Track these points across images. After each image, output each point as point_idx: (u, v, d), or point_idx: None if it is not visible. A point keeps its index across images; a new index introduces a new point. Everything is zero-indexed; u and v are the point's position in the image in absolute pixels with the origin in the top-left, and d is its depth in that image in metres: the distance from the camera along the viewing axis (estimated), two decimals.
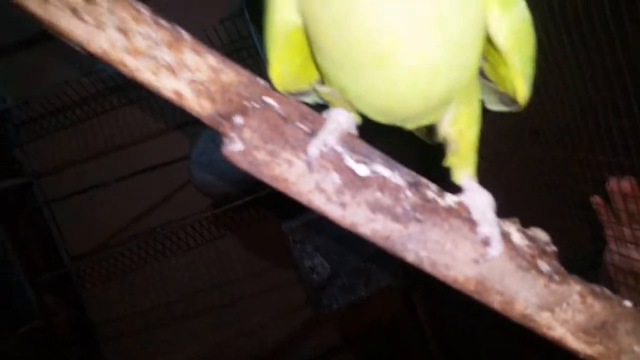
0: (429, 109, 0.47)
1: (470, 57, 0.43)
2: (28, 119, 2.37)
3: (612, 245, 0.92)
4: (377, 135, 0.56)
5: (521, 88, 0.48)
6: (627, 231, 0.88)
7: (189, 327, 2.45)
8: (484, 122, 0.53)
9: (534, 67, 0.48)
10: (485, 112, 0.57)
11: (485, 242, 0.47)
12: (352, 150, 0.48)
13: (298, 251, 2.04)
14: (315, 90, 0.54)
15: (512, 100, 0.52)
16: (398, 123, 0.51)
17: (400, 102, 0.45)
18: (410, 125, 0.53)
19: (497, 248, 0.46)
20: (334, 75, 0.47)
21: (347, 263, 2.06)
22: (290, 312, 2.39)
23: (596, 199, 0.97)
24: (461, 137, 0.51)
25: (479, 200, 0.48)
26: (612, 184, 0.91)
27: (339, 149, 0.47)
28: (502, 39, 0.43)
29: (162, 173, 2.41)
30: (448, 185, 0.53)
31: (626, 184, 0.89)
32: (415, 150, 0.81)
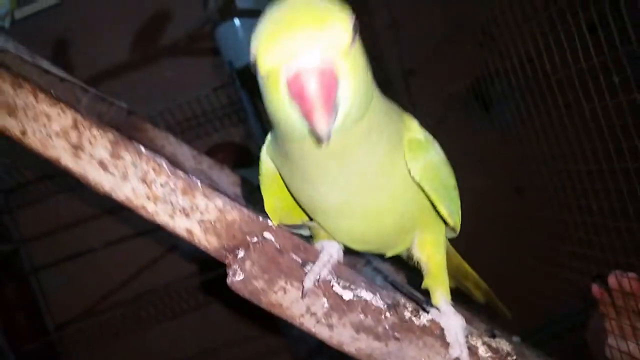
0: (389, 240, 0.62)
1: (406, 199, 0.57)
2: (16, 186, 2.41)
3: (612, 340, 0.91)
4: None
5: (443, 213, 0.59)
6: (627, 327, 0.88)
7: None
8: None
9: (454, 195, 0.61)
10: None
11: None
12: (339, 276, 0.56)
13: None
14: (305, 225, 0.63)
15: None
16: (377, 251, 0.61)
17: (362, 237, 0.60)
18: (388, 252, 0.62)
19: None
20: (312, 216, 0.59)
21: None
22: None
23: (596, 290, 0.96)
24: (430, 260, 0.61)
25: (453, 325, 0.56)
26: (613, 280, 0.91)
27: (329, 277, 0.55)
28: (415, 176, 0.55)
29: (150, 238, 2.44)
30: None
31: (627, 282, 0.88)
32: None
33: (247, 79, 2.35)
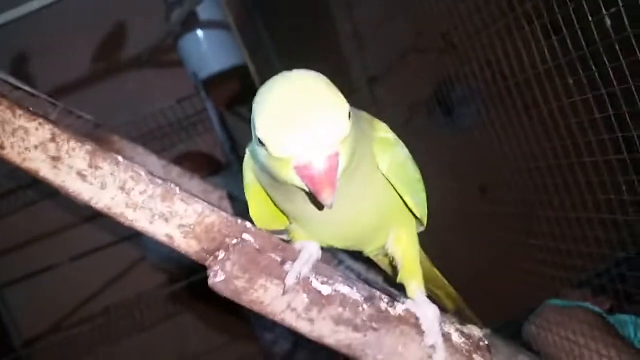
0: (369, 238, 0.66)
1: (383, 199, 0.62)
2: None
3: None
4: None
5: (410, 203, 0.63)
6: None
7: None
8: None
9: (419, 188, 0.66)
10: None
11: (432, 349, 0.58)
12: (317, 273, 0.58)
13: (259, 324, 2.06)
14: (286, 230, 0.66)
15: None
16: (355, 248, 0.65)
17: (344, 237, 0.66)
18: (366, 249, 0.66)
19: (441, 355, 0.58)
20: (295, 222, 0.64)
21: None
22: None
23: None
24: (405, 254, 0.65)
25: (428, 314, 0.60)
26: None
27: (309, 274, 0.57)
28: (383, 170, 0.60)
29: (116, 251, 2.40)
30: None
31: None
32: None
33: (212, 89, 2.36)
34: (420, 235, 0.72)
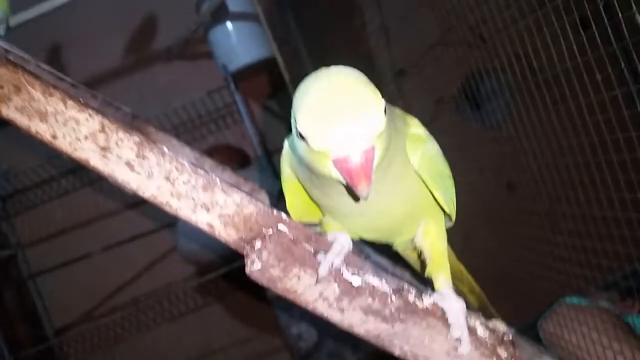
0: (399, 230, 0.68)
1: (415, 192, 0.64)
2: (14, 192, 2.43)
3: None
4: None
5: (439, 199, 0.65)
6: None
7: None
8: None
9: (449, 184, 0.67)
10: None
11: (457, 342, 0.60)
12: (348, 264, 0.60)
13: (284, 318, 2.10)
14: (320, 222, 0.68)
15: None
16: (385, 240, 0.67)
17: (375, 229, 0.68)
18: (396, 241, 0.68)
19: (466, 348, 0.59)
20: (330, 215, 0.66)
21: (333, 328, 2.10)
22: None
23: None
24: (432, 248, 0.66)
25: (454, 307, 0.61)
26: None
27: (340, 265, 0.59)
28: (414, 165, 0.62)
29: (147, 241, 2.46)
30: None
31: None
32: None
33: (241, 82, 2.39)
34: (447, 231, 0.73)
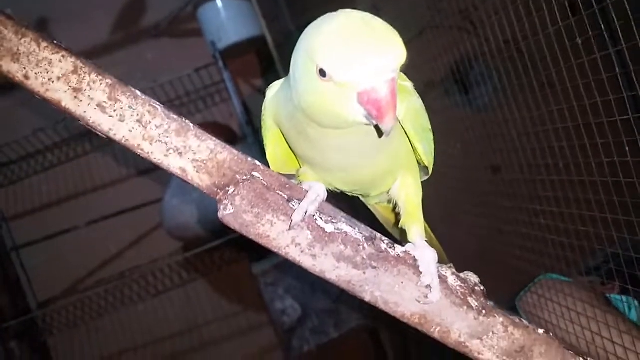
0: (376, 182, 0.69)
1: (397, 145, 0.64)
2: None
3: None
4: None
5: (420, 150, 0.66)
6: None
7: None
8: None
9: (429, 137, 0.67)
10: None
11: (428, 289, 0.60)
12: (322, 211, 0.61)
13: (269, 293, 2.11)
14: (296, 173, 0.69)
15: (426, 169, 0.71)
16: (362, 192, 0.68)
17: (353, 181, 0.68)
18: (372, 193, 0.69)
19: (436, 295, 0.60)
20: (309, 166, 0.67)
21: (317, 304, 2.14)
22: (261, 355, 2.43)
23: None
24: (408, 200, 0.67)
25: (426, 256, 0.62)
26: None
27: (314, 212, 0.60)
28: (400, 117, 0.62)
29: (133, 217, 2.46)
30: None
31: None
32: None
33: (230, 60, 2.38)
34: (425, 198, 0.74)
